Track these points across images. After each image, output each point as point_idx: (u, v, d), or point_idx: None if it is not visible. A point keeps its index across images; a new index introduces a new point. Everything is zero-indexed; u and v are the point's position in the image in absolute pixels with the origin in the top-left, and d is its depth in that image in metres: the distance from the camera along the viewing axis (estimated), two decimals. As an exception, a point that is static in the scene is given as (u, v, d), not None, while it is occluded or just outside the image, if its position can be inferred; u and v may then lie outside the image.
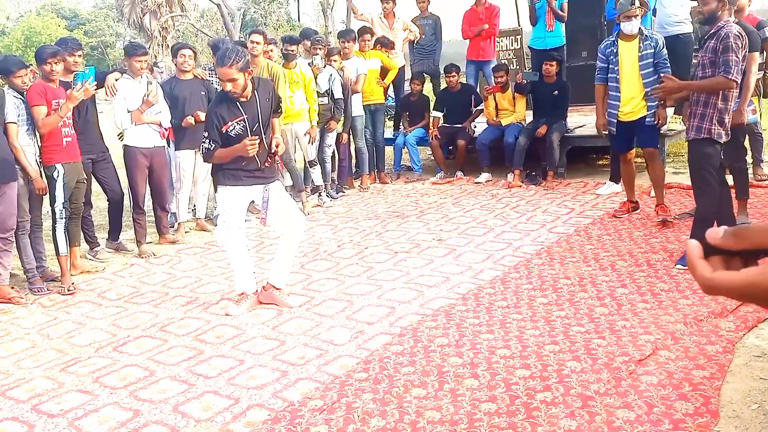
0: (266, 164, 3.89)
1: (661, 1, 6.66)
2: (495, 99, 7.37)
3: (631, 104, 5.30)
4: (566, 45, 8.03)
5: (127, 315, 4.16)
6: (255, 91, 3.84)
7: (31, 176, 4.58)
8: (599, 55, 5.49)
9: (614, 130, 5.38)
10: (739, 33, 4.05)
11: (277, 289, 4.12)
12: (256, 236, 5.71)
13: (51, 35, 36.67)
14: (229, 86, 3.72)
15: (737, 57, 4.01)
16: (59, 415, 2.94)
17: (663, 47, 5.23)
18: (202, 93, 5.90)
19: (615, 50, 5.30)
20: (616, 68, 5.30)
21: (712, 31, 4.12)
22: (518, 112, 7.32)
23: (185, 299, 4.38)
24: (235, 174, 3.89)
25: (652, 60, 5.20)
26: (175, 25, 34.81)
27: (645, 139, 5.34)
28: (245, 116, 3.81)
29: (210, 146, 3.83)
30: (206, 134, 3.85)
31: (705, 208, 4.17)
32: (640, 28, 5.23)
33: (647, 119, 5.24)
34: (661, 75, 4.91)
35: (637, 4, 5.12)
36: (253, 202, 4.11)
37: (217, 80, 6.33)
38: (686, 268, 4.21)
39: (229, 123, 3.78)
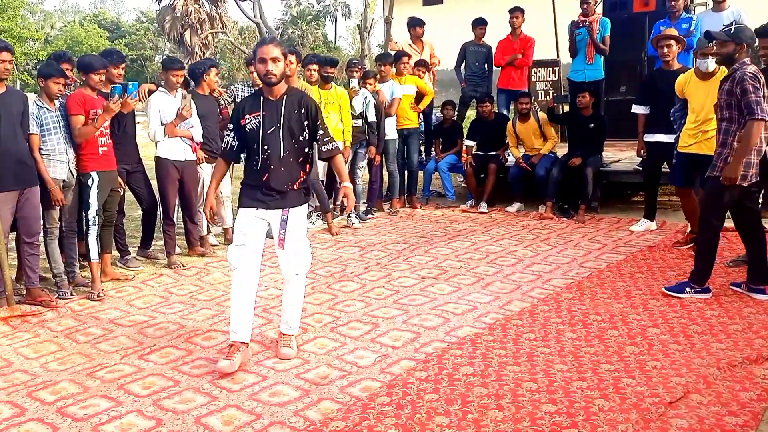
0: (289, 188, 3.52)
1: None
2: (516, 135, 7.38)
3: (696, 138, 5.15)
4: (605, 79, 7.87)
5: (154, 324, 4.19)
6: (284, 96, 3.55)
7: (49, 186, 4.57)
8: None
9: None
10: (754, 73, 4.03)
11: (287, 336, 3.72)
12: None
13: (93, 45, 37.72)
14: (270, 66, 3.40)
15: (757, 96, 3.98)
16: (83, 419, 2.96)
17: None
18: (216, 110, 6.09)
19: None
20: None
21: (728, 73, 4.13)
22: (550, 140, 7.31)
23: (212, 312, 4.40)
24: (253, 194, 3.53)
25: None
26: (215, 42, 35.58)
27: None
28: (263, 113, 3.50)
29: (233, 143, 3.62)
30: (230, 127, 3.65)
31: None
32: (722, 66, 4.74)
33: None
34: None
35: (713, 43, 4.61)
36: (269, 228, 3.61)
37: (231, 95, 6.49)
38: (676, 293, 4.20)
39: (247, 117, 3.55)
